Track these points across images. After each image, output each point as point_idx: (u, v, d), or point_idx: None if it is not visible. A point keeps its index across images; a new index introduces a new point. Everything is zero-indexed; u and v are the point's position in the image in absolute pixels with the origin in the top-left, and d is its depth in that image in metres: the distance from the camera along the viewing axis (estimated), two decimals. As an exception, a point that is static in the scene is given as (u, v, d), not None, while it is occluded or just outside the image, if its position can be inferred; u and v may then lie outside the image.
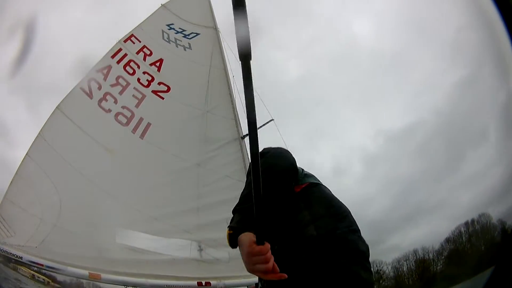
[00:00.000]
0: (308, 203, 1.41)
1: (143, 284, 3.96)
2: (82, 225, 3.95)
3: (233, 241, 1.21)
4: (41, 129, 4.10)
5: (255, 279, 3.88)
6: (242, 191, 1.43)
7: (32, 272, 3.69)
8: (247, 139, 5.92)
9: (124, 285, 3.90)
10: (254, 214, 1.01)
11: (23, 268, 3.62)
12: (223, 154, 5.76)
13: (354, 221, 1.44)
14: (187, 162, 5.42)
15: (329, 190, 1.54)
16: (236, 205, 1.35)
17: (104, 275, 3.75)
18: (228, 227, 1.24)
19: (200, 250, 4.89)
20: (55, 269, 3.56)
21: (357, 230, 1.41)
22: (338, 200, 1.49)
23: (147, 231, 4.53)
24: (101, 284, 3.88)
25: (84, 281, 3.90)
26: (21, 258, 3.41)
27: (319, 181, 1.56)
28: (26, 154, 3.91)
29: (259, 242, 1.05)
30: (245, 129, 6.03)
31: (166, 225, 4.73)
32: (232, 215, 1.33)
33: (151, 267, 4.18)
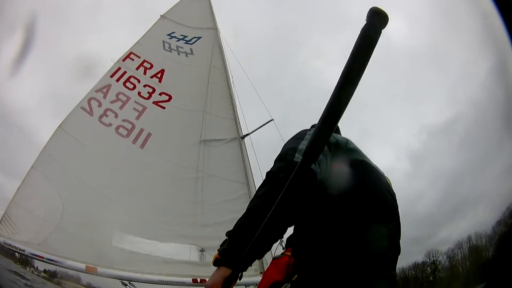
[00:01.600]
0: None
1: (138, 278, 4.19)
2: (82, 227, 4.30)
3: (217, 266, 1.18)
4: (44, 146, 4.60)
5: (252, 279, 3.78)
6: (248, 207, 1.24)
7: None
8: (247, 139, 5.83)
9: (119, 279, 4.11)
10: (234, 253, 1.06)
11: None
12: (223, 155, 5.75)
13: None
14: (186, 168, 5.55)
15: (376, 169, 1.39)
16: (232, 230, 1.20)
17: (100, 269, 4.04)
18: (218, 250, 1.19)
19: (202, 251, 4.96)
20: (55, 261, 3.90)
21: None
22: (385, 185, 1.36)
23: (144, 235, 4.75)
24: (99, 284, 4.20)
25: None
26: (23, 251, 3.81)
27: (365, 156, 1.41)
28: (32, 166, 4.39)
29: (225, 286, 1.08)
30: (245, 129, 5.94)
31: (163, 230, 4.90)
32: (226, 238, 1.20)
33: (147, 265, 4.36)
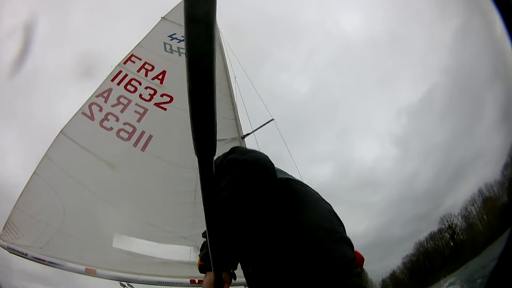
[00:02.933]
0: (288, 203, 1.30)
1: (136, 279, 4.27)
2: (83, 230, 4.42)
3: (203, 272, 1.23)
4: (46, 152, 4.72)
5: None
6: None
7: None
8: (247, 139, 5.79)
9: (118, 280, 4.20)
10: (210, 257, 1.05)
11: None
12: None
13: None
14: (187, 169, 5.53)
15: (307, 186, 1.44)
16: (204, 232, 1.23)
17: (99, 271, 4.12)
18: (199, 255, 1.24)
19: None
20: (55, 264, 4.00)
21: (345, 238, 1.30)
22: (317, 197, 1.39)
23: (145, 236, 4.78)
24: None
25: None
26: (26, 254, 3.92)
27: (289, 175, 1.45)
28: (34, 172, 4.51)
29: (217, 285, 1.11)
30: (245, 129, 5.91)
31: (164, 231, 4.92)
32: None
33: (147, 267, 4.44)
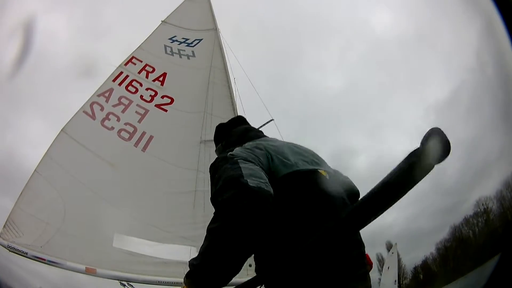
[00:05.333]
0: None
1: (136, 279, 4.26)
2: (84, 229, 4.42)
3: None
4: (47, 150, 4.75)
5: (247, 278, 3.76)
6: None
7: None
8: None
9: (118, 280, 4.20)
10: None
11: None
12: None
13: None
14: (187, 169, 5.57)
15: (318, 172, 1.40)
16: (195, 259, 1.22)
17: (99, 270, 4.13)
18: (184, 282, 1.23)
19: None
20: (55, 263, 4.01)
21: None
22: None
23: (145, 236, 4.80)
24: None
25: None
26: (26, 253, 3.92)
27: (304, 163, 1.41)
28: (35, 170, 4.52)
29: None
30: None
31: (164, 231, 4.94)
32: (189, 268, 1.23)
33: (147, 267, 4.45)
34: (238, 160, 1.28)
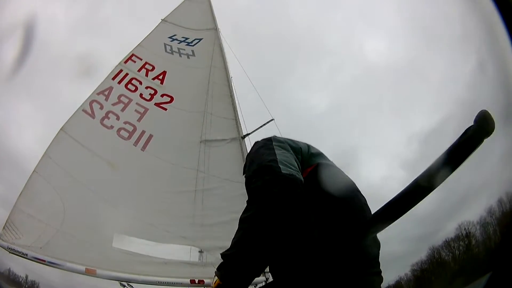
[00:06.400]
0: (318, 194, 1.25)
1: (136, 279, 4.26)
2: (83, 229, 4.41)
3: None
4: (46, 149, 4.71)
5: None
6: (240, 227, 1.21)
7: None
8: (247, 139, 5.78)
9: (118, 280, 4.20)
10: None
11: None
12: (223, 155, 5.72)
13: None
14: (187, 168, 5.55)
15: (341, 171, 1.42)
16: (229, 249, 1.20)
17: (99, 271, 4.12)
18: (216, 274, 1.20)
19: (201, 252, 4.96)
20: (55, 264, 4.00)
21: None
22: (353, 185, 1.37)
23: (145, 236, 4.78)
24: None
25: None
26: (26, 255, 3.91)
27: (328, 160, 1.44)
28: (34, 170, 4.49)
29: None
30: (245, 129, 5.90)
31: (164, 231, 4.92)
32: (222, 260, 1.20)
33: (146, 267, 4.41)
34: (275, 146, 1.31)
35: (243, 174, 1.38)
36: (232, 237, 1.18)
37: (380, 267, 1.27)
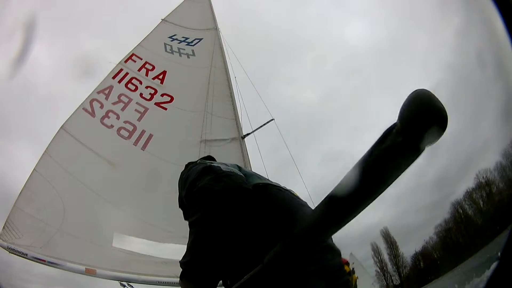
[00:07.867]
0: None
1: (136, 279, 4.25)
2: (83, 229, 4.40)
3: None
4: (46, 148, 4.70)
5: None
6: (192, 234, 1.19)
7: None
8: (247, 139, 5.77)
9: (118, 280, 4.18)
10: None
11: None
12: (223, 155, 5.70)
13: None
14: (186, 168, 5.52)
15: (281, 187, 1.34)
16: (184, 256, 1.19)
17: (99, 271, 4.11)
18: (179, 284, 1.19)
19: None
20: (55, 264, 3.99)
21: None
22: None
23: (145, 236, 4.77)
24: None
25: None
26: (26, 255, 3.90)
27: (264, 178, 1.37)
28: (34, 169, 4.48)
29: None
30: (245, 129, 5.91)
31: (165, 231, 4.90)
32: (181, 268, 1.18)
33: (147, 267, 4.40)
34: (207, 161, 1.32)
35: (179, 195, 1.31)
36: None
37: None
